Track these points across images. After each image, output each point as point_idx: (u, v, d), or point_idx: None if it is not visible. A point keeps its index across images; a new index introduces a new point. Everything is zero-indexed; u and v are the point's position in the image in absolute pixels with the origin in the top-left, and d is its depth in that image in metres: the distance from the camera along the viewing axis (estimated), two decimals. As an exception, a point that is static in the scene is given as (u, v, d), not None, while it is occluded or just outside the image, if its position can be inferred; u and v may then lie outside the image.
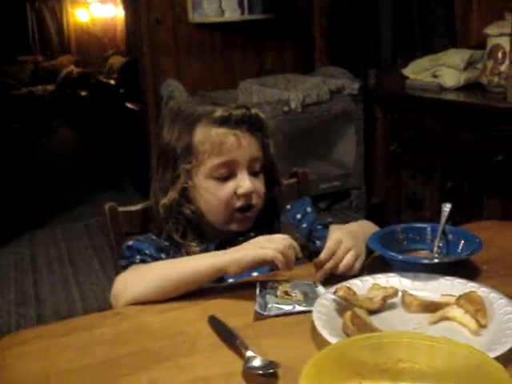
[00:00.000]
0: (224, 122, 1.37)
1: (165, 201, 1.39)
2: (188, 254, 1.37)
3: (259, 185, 1.41)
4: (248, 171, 1.38)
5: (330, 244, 1.24)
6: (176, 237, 1.38)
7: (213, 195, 1.37)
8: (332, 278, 1.25)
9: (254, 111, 1.41)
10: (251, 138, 1.39)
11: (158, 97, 4.27)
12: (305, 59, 4.70)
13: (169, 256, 1.37)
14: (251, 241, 1.24)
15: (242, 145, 1.37)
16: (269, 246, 1.19)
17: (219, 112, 1.37)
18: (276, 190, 1.50)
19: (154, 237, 1.41)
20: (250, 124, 1.39)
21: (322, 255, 1.22)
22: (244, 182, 1.37)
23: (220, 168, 1.36)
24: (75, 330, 1.16)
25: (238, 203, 1.38)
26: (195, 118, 1.39)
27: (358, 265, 1.26)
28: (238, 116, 1.38)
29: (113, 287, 1.27)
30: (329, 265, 1.22)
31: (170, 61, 4.32)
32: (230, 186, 1.37)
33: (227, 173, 1.37)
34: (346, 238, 1.25)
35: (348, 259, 1.23)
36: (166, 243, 1.39)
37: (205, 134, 1.36)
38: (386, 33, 4.11)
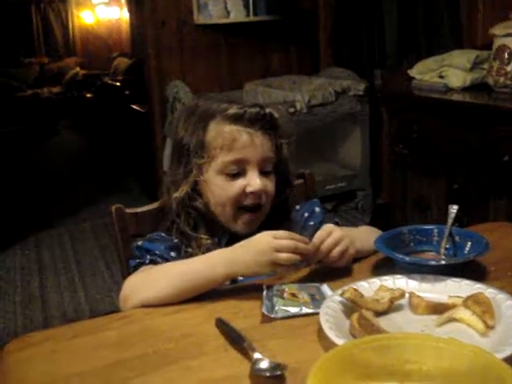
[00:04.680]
0: (238, 119, 1.38)
1: (177, 194, 1.40)
2: (199, 247, 1.38)
3: (269, 185, 1.41)
4: (259, 170, 1.39)
5: (320, 233, 1.26)
6: (187, 229, 1.39)
7: (222, 191, 1.38)
8: (339, 280, 1.25)
9: (267, 110, 1.42)
10: (264, 137, 1.40)
11: (163, 98, 4.28)
12: (310, 60, 4.70)
13: (179, 254, 1.38)
14: (259, 239, 1.21)
15: (254, 143, 1.37)
16: (276, 257, 1.18)
17: (233, 109, 1.38)
18: (287, 191, 1.50)
19: (163, 234, 1.41)
20: (264, 123, 1.40)
21: (313, 242, 1.23)
22: (254, 181, 1.37)
23: (231, 165, 1.37)
24: (82, 333, 1.16)
25: (247, 201, 1.38)
26: (210, 115, 1.40)
27: (345, 259, 1.27)
28: (252, 114, 1.38)
29: (122, 289, 1.27)
30: (318, 252, 1.23)
31: (176, 62, 4.33)
32: (239, 183, 1.38)
33: (237, 170, 1.37)
34: (337, 230, 1.26)
35: (337, 250, 1.24)
36: (176, 240, 1.39)
37: (218, 131, 1.38)
38: (392, 33, 4.11)
